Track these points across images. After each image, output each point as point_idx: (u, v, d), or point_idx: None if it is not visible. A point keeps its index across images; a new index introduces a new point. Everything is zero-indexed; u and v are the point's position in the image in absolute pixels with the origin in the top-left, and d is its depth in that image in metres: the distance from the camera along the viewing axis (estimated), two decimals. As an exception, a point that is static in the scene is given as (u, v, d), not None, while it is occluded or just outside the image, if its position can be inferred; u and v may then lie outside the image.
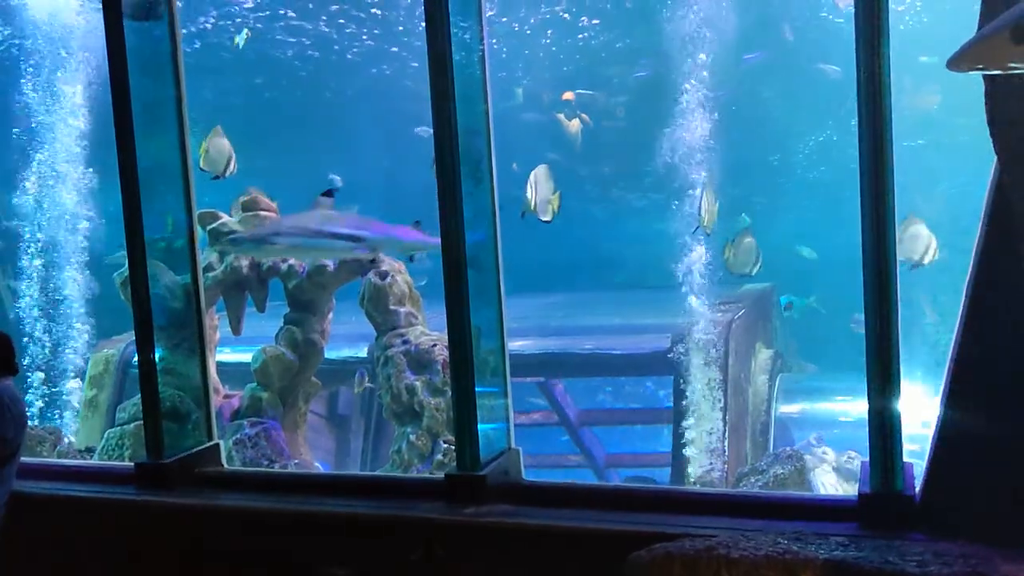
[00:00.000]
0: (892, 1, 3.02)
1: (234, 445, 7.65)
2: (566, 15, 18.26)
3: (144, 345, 5.05)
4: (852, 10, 3.18)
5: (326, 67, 19.80)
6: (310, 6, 17.61)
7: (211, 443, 5.35)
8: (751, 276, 9.92)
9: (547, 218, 7.94)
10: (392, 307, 8.04)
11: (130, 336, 9.03)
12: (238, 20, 17.61)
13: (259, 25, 17.82)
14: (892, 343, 3.50)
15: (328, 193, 6.67)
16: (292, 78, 20.05)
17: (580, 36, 18.95)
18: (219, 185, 7.93)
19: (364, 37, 19.05)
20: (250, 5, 17.38)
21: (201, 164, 7.33)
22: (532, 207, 7.84)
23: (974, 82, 2.45)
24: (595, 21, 18.47)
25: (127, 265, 5.12)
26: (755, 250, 9.65)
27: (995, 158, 2.51)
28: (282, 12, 17.67)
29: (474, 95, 4.32)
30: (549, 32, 18.86)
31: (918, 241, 7.98)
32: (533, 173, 7.95)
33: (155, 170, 5.06)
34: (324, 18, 18.30)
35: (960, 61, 1.82)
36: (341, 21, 18.48)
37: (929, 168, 14.54)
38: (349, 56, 19.61)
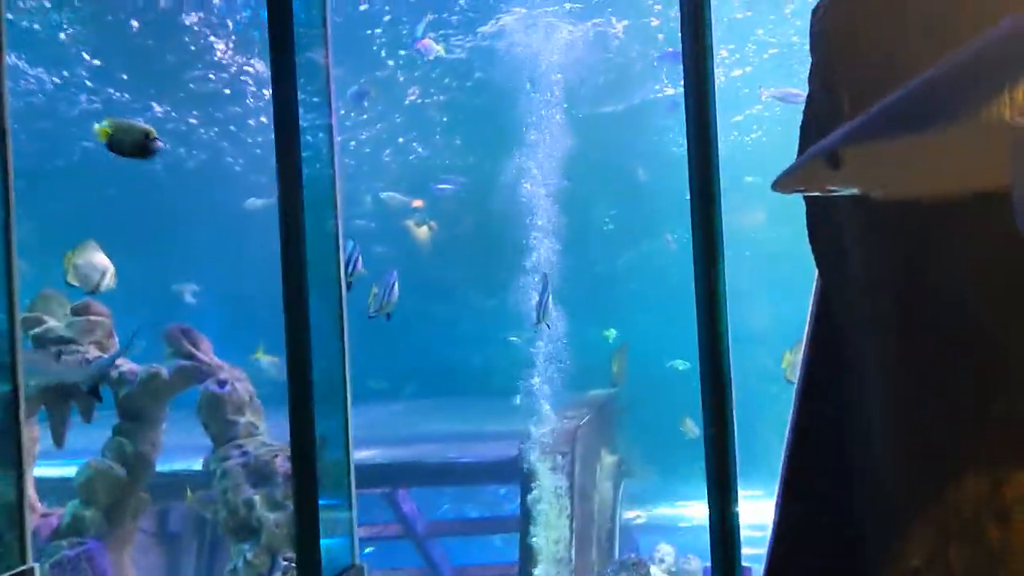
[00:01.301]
0: (722, 125, 3.22)
1: (51, 569, 7.07)
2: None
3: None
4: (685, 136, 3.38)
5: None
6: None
7: (25, 567, 4.90)
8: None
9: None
10: (231, 417, 7.73)
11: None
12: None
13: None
14: (728, 446, 3.61)
15: None
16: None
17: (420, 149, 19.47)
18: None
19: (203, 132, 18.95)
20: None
21: (68, 278, 6.94)
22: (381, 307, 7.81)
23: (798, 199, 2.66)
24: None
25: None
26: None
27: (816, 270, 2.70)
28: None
29: (324, 205, 4.29)
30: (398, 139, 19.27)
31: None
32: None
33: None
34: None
35: (784, 183, 1.97)
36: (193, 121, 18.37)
37: (759, 278, 15.41)
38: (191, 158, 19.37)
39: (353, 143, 18.56)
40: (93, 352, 7.76)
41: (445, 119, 18.92)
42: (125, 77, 16.40)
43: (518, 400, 10.39)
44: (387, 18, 15.04)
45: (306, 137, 3.93)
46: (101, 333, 7.92)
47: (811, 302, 2.97)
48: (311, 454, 4.25)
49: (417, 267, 18.46)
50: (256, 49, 15.39)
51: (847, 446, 2.43)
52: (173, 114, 17.93)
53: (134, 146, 5.55)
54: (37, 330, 7.57)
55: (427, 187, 19.12)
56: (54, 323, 7.68)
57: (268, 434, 7.96)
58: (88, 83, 16.58)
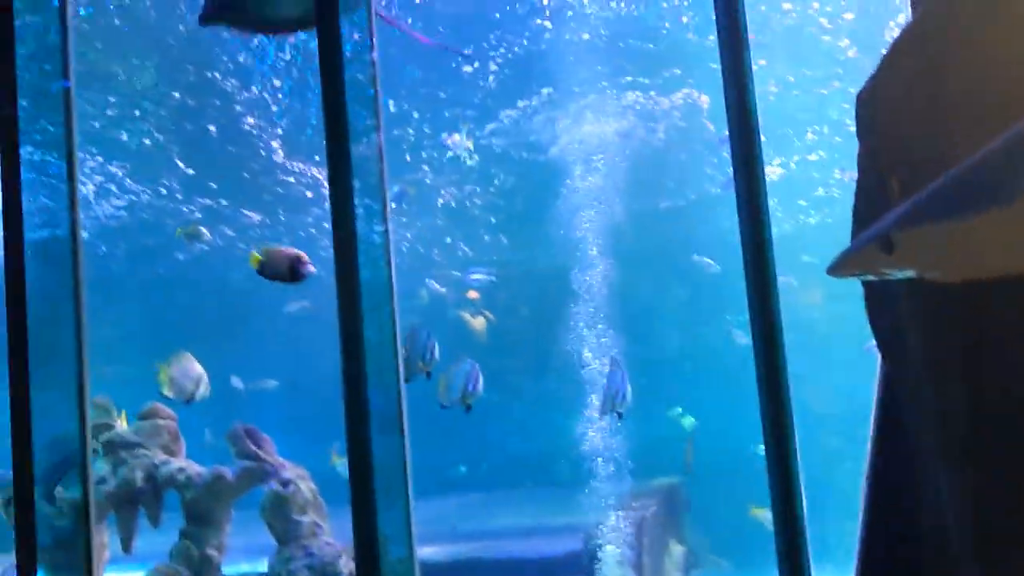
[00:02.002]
0: (774, 208, 3.22)
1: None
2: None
3: (25, 570, 4.70)
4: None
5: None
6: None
7: (94, 676, 4.90)
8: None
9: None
10: (295, 516, 7.74)
11: (8, 559, 8.40)
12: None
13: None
14: (799, 530, 3.51)
15: None
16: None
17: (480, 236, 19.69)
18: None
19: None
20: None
21: (164, 390, 7.17)
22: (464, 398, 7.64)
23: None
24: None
25: (11, 482, 4.84)
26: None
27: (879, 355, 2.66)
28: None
29: (381, 304, 4.37)
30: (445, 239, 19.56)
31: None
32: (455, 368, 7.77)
33: (44, 378, 4.89)
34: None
35: (838, 269, 1.97)
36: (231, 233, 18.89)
37: (819, 359, 15.15)
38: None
39: (406, 245, 18.84)
40: (160, 456, 7.89)
41: (492, 218, 19.16)
42: (215, 186, 16.88)
43: (581, 490, 10.23)
44: (415, 115, 15.15)
45: (364, 242, 4.02)
46: (168, 436, 8.05)
47: (876, 384, 2.92)
48: (375, 553, 4.23)
49: (474, 357, 18.47)
50: (316, 158, 15.80)
51: (919, 536, 2.36)
52: (266, 220, 18.47)
53: (285, 271, 5.77)
54: (107, 435, 7.73)
55: (478, 280, 19.33)
56: (122, 428, 7.84)
57: (331, 533, 7.94)
58: (179, 195, 17.08)
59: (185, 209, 17.42)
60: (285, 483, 7.75)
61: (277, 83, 13.13)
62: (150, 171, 15.86)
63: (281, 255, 5.78)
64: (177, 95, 13.03)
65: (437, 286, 19.19)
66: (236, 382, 16.63)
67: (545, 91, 14.17)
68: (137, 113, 13.34)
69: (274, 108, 14.24)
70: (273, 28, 3.66)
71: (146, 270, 19.84)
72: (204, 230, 13.96)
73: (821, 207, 18.18)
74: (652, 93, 14.57)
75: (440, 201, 18.15)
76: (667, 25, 11.93)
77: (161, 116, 13.72)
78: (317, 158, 15.78)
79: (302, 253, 5.78)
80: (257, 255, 5.82)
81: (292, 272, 5.71)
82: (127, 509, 7.79)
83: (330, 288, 3.75)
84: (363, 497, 4.32)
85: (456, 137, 13.97)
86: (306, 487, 7.88)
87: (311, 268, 5.73)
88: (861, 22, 12.23)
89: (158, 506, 7.86)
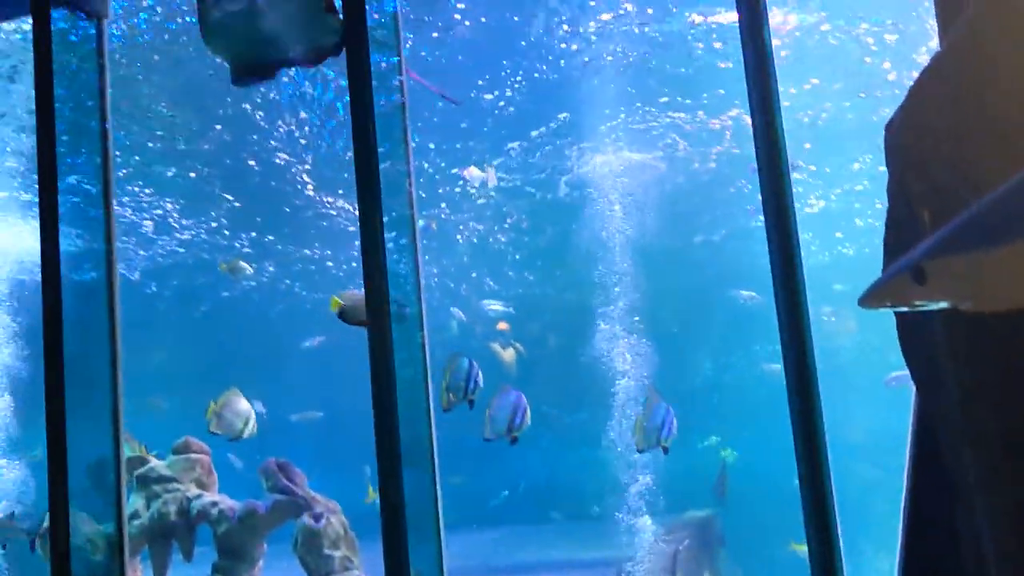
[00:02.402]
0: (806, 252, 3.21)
1: None
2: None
3: (61, 604, 4.72)
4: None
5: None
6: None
7: None
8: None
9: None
10: (327, 551, 7.73)
11: (44, 593, 8.45)
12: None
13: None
14: (836, 566, 3.46)
15: None
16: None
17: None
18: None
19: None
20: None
21: (212, 427, 7.23)
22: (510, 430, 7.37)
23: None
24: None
25: (47, 517, 4.88)
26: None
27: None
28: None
29: (411, 337, 4.39)
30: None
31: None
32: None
33: (80, 413, 4.95)
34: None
35: (870, 300, 1.95)
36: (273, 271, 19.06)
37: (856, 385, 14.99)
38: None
39: (435, 278, 18.91)
40: (193, 490, 7.93)
41: (517, 254, 19.19)
42: (259, 219, 17.07)
43: (613, 523, 10.14)
44: (431, 146, 15.02)
45: (396, 277, 4.07)
46: (201, 471, 8.10)
47: (911, 414, 2.89)
48: (407, 589, 4.21)
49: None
50: (340, 190, 15.90)
51: (957, 565, 2.32)
52: (313, 253, 18.66)
53: (364, 317, 5.71)
54: (141, 470, 7.79)
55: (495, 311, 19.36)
56: (156, 462, 7.90)
57: (363, 567, 7.92)
58: (226, 231, 17.33)
59: (234, 244, 17.61)
60: (317, 517, 7.76)
61: (304, 115, 13.19)
62: (197, 207, 16.01)
63: (363, 299, 5.69)
64: (219, 127, 13.09)
65: (462, 314, 19.20)
66: (259, 407, 16.80)
67: (562, 115, 14.06)
68: (182, 147, 13.47)
69: (302, 142, 14.33)
70: (285, 65, 3.83)
71: (192, 307, 20.14)
72: (245, 264, 14.07)
73: (858, 238, 18.02)
74: (682, 114, 14.42)
75: (461, 236, 18.18)
76: (700, 46, 11.82)
77: (204, 151, 13.82)
78: (340, 191, 15.88)
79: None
80: (338, 300, 5.77)
81: None
82: (161, 543, 7.83)
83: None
84: (394, 532, 4.31)
85: (473, 170, 13.83)
86: (338, 521, 7.88)
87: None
88: (903, 46, 12.05)
89: (191, 540, 7.89)
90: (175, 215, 16.16)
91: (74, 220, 4.38)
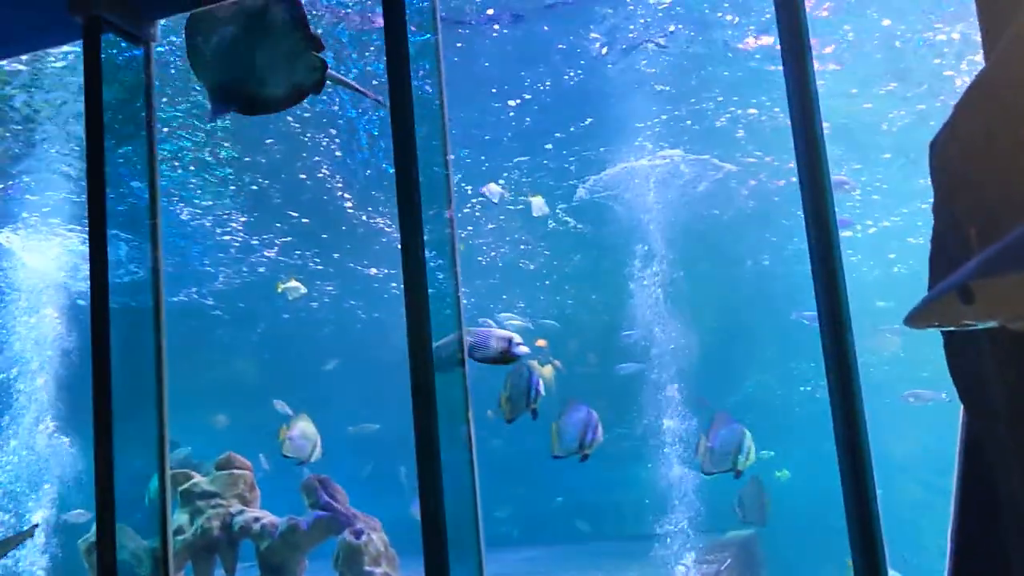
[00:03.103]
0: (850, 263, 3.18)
1: None
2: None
3: (106, 617, 4.78)
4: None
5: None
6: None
7: None
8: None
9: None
10: (367, 568, 7.76)
11: (89, 606, 8.56)
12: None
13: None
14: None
15: None
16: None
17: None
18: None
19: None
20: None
21: (284, 451, 7.42)
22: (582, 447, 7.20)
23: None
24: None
25: (94, 530, 4.95)
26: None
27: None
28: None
29: (451, 364, 4.39)
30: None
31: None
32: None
33: (129, 430, 5.01)
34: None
35: (916, 319, 1.93)
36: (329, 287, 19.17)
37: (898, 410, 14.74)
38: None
39: (472, 301, 18.96)
40: (236, 505, 8.00)
41: (553, 275, 19.17)
42: (324, 236, 17.25)
43: (655, 542, 10.04)
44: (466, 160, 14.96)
45: (434, 301, 4.09)
46: (244, 486, 8.18)
47: (959, 434, 2.84)
48: (447, 606, 4.21)
49: (541, 406, 18.40)
50: (381, 208, 15.99)
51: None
52: (379, 272, 18.78)
53: (497, 354, 5.64)
54: (185, 486, 7.88)
55: (549, 326, 19.30)
56: (200, 478, 7.99)
57: (403, 584, 7.94)
58: (268, 252, 17.53)
59: (291, 262, 17.79)
60: (358, 534, 7.79)
61: (334, 131, 13.25)
62: (261, 225, 16.17)
63: (492, 337, 5.59)
64: (270, 141, 13.17)
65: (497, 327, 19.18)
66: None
67: (587, 120, 13.94)
68: (247, 159, 13.57)
69: (340, 157, 14.40)
70: (266, 108, 3.93)
71: (249, 327, 20.39)
72: (299, 284, 14.23)
73: (908, 256, 17.73)
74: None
75: (494, 255, 18.18)
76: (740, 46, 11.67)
77: (261, 163, 13.90)
78: (369, 208, 15.90)
79: (514, 334, 5.58)
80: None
81: (505, 355, 5.50)
82: (204, 558, 7.91)
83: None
84: (435, 550, 4.31)
85: (492, 187, 13.69)
86: (379, 538, 7.91)
87: (524, 348, 5.52)
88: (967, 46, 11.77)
89: (234, 556, 7.96)
90: (240, 233, 16.32)
91: (124, 230, 4.48)
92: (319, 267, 18.12)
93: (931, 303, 1.90)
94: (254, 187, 14.53)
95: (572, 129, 13.49)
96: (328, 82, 3.79)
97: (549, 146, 14.01)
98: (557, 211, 16.09)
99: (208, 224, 15.57)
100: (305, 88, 3.80)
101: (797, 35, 3.16)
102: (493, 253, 18.04)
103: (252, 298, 19.03)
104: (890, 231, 16.70)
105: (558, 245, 17.76)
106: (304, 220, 16.03)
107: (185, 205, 14.78)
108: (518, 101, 12.64)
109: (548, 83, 12.15)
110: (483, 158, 14.18)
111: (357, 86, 4.97)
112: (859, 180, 14.20)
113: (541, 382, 6.61)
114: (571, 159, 14.47)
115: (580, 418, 7.00)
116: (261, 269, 17.79)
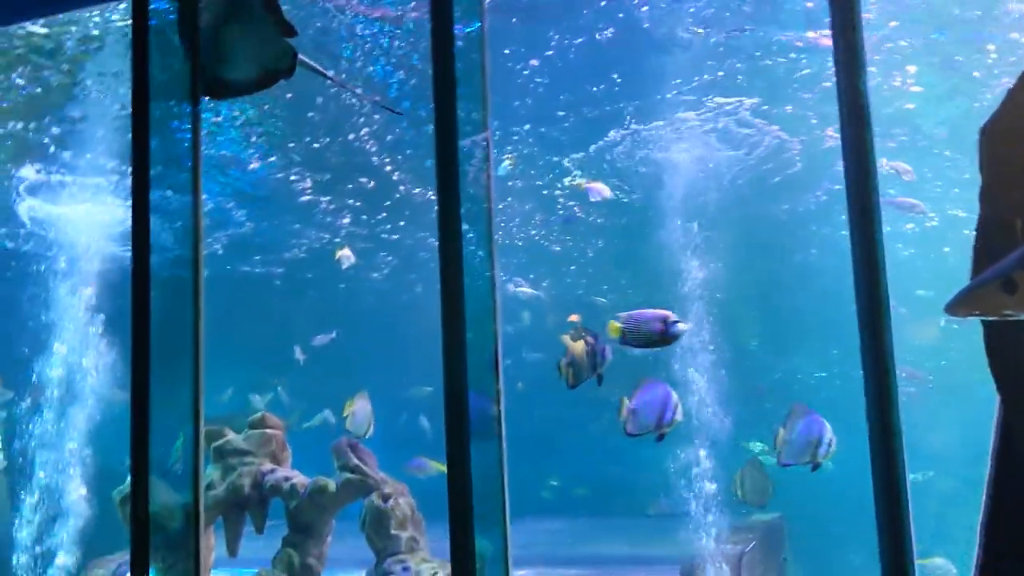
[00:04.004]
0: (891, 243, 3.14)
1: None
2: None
3: (138, 568, 4.90)
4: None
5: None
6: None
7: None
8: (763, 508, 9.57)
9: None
10: (394, 531, 7.85)
11: (122, 556, 8.78)
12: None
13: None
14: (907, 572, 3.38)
15: None
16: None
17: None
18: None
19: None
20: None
21: (348, 425, 8.51)
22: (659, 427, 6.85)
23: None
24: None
25: (129, 482, 5.05)
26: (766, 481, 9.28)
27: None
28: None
29: (484, 317, 4.41)
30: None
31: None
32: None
33: (163, 394, 5.10)
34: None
35: (957, 307, 1.91)
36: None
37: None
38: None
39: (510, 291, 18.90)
40: (267, 464, 8.13)
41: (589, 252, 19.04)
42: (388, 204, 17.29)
43: (679, 522, 10.06)
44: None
45: (468, 264, 4.11)
46: (276, 445, 8.30)
47: (994, 422, 2.81)
48: (471, 572, 4.26)
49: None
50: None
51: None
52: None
53: (655, 335, 5.46)
54: (218, 442, 8.01)
55: (583, 303, 19.25)
56: (233, 435, 8.12)
57: (429, 549, 8.03)
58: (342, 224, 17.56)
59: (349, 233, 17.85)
60: (386, 498, 7.88)
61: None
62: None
63: (647, 318, 5.41)
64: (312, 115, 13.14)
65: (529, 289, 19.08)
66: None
67: (632, 105, 13.66)
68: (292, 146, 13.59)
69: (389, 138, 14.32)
70: (236, 91, 3.95)
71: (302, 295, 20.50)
72: (349, 252, 14.38)
73: (958, 246, 17.38)
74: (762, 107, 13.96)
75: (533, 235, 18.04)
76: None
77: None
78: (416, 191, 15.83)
79: (668, 312, 5.39)
80: (617, 324, 5.50)
81: (662, 336, 5.32)
82: (234, 515, 8.05)
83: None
84: (462, 518, 4.36)
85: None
86: (406, 503, 8.00)
87: (681, 326, 5.35)
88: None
89: (263, 513, 8.10)
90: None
91: (164, 216, 4.54)
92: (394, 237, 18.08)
93: (973, 292, 1.87)
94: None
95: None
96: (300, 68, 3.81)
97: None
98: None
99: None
100: (277, 73, 3.82)
101: (852, 49, 3.10)
102: (524, 234, 17.97)
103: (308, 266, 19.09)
104: (943, 223, 16.41)
105: (592, 227, 17.63)
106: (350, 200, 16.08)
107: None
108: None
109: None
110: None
111: (333, 76, 4.95)
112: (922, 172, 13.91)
113: (608, 348, 6.36)
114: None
115: (658, 396, 6.67)
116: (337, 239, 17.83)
